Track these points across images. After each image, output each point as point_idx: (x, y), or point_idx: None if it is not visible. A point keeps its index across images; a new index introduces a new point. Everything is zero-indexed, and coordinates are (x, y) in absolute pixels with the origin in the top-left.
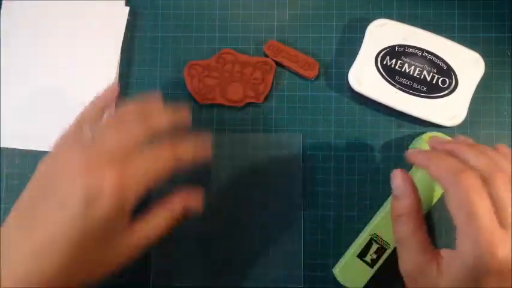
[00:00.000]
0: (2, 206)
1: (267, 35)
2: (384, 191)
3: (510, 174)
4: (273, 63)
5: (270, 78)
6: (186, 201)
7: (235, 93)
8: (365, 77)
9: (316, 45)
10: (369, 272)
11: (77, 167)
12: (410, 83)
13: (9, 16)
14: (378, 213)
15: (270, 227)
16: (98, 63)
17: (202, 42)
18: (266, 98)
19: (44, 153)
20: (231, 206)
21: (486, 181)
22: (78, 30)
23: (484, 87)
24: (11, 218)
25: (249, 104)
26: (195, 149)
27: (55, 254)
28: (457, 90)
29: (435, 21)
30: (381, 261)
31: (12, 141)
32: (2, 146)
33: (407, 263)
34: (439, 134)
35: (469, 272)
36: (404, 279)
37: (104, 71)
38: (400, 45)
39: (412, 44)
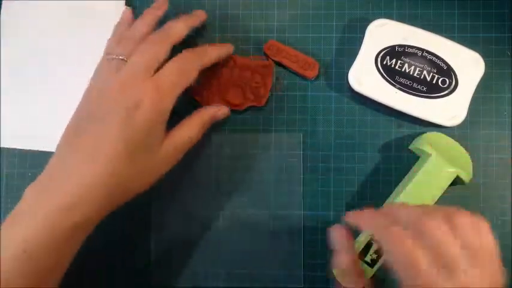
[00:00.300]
0: (2, 206)
1: (267, 35)
2: (384, 191)
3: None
4: (272, 67)
5: (270, 81)
6: (214, 110)
7: (236, 97)
8: (365, 77)
9: (316, 45)
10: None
11: (114, 88)
12: (410, 83)
13: (9, 16)
14: None
15: (270, 227)
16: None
17: (202, 42)
18: (267, 101)
19: (44, 153)
20: (231, 206)
21: (418, 232)
22: (78, 30)
23: (484, 87)
24: (60, 140)
25: (250, 107)
26: (215, 49)
27: (102, 163)
28: (457, 90)
29: (435, 21)
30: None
31: (12, 141)
32: (2, 146)
33: None
34: (439, 134)
35: None
36: None
37: None
38: (400, 45)
39: (412, 44)
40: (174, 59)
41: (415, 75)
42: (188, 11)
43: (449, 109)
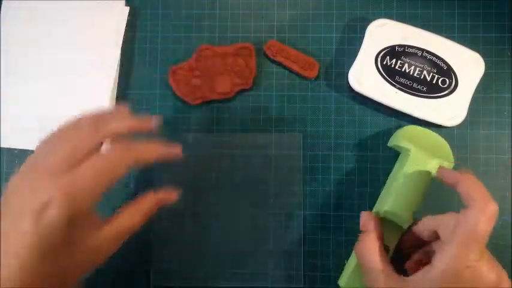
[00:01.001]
0: None
1: (267, 35)
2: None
3: None
4: (252, 47)
5: (252, 61)
6: (160, 198)
7: (223, 85)
8: (365, 77)
9: (316, 45)
10: None
11: (24, 187)
12: (410, 83)
13: (9, 16)
14: None
15: (270, 227)
16: (98, 63)
17: (202, 42)
18: (255, 82)
19: None
20: (231, 206)
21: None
22: (78, 30)
23: (484, 87)
24: None
25: (239, 93)
26: (154, 148)
27: (16, 268)
28: (457, 90)
29: (435, 21)
30: None
31: (12, 141)
32: (2, 146)
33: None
34: (414, 127)
35: (452, 277)
36: None
37: (104, 71)
38: (400, 45)
39: (412, 44)
40: (95, 158)
41: (415, 75)
42: (188, 11)
43: (449, 109)
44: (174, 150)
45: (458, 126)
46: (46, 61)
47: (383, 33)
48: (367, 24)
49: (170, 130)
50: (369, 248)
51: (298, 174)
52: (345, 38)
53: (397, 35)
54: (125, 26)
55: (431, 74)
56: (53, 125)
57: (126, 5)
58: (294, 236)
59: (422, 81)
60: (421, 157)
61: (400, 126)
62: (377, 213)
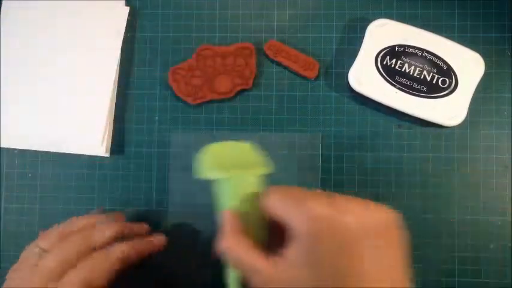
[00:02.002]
0: (2, 205)
1: (267, 35)
2: (384, 191)
3: None
4: (252, 46)
5: (252, 61)
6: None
7: (224, 85)
8: (365, 77)
9: (316, 45)
10: None
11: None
12: (410, 83)
13: (9, 16)
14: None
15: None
16: (98, 63)
17: (202, 42)
18: (255, 82)
19: (43, 153)
20: None
21: None
22: (78, 30)
23: (484, 87)
24: None
25: (239, 93)
26: (136, 247)
27: None
28: (457, 90)
29: (435, 21)
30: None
31: (12, 141)
32: (2, 146)
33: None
34: (214, 145)
35: (305, 239)
36: None
37: (103, 71)
38: (400, 45)
39: (412, 44)
40: (79, 267)
41: (415, 75)
42: (188, 11)
43: (449, 109)
44: (158, 243)
45: (458, 126)
46: (46, 61)
47: (383, 33)
48: (367, 24)
49: (171, 130)
50: (234, 247)
51: (316, 173)
52: (345, 38)
53: (397, 35)
54: (125, 26)
55: (431, 74)
56: (53, 126)
57: (126, 5)
58: None
59: (422, 81)
60: (238, 181)
61: (400, 126)
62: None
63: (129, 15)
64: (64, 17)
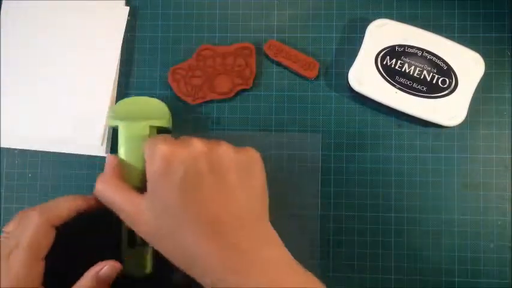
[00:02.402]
0: (2, 206)
1: (267, 35)
2: (384, 191)
3: None
4: (253, 46)
5: (252, 61)
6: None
7: (224, 85)
8: (365, 77)
9: (316, 45)
10: (148, 252)
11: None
12: (410, 83)
13: (9, 16)
14: None
15: (287, 226)
16: (98, 63)
17: (202, 42)
18: (255, 82)
19: (43, 153)
20: None
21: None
22: (78, 30)
23: (484, 87)
24: None
25: (239, 93)
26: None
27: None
28: (457, 90)
29: (435, 21)
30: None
31: (12, 141)
32: (2, 146)
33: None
34: (127, 100)
35: (151, 177)
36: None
37: (104, 71)
38: (400, 45)
39: (412, 44)
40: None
41: (415, 75)
42: (188, 11)
43: (449, 109)
44: (90, 202)
45: (458, 126)
46: (46, 61)
47: (383, 33)
48: (367, 24)
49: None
50: (107, 188)
51: (316, 174)
52: (345, 38)
53: (397, 35)
54: (125, 26)
55: (431, 74)
56: (53, 126)
57: (126, 5)
58: (306, 237)
59: (422, 81)
60: (130, 126)
61: (400, 126)
62: None
63: (129, 15)
64: (64, 17)
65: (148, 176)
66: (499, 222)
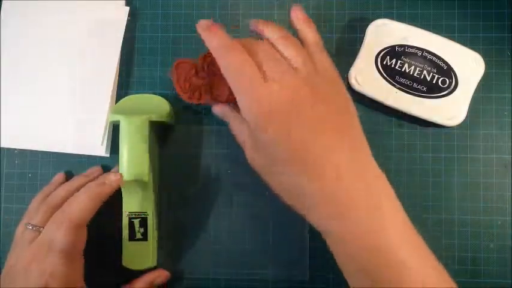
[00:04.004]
0: (2, 205)
1: None
2: None
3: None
4: None
5: None
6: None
7: (222, 93)
8: (365, 77)
9: None
10: (148, 245)
11: (24, 264)
12: (410, 83)
13: (9, 16)
14: (123, 196)
15: (270, 219)
16: (98, 63)
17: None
18: None
19: (43, 153)
20: (233, 198)
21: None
22: (78, 30)
23: (484, 87)
24: None
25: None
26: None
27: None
28: (457, 90)
29: (435, 21)
30: (151, 230)
31: (12, 141)
32: (2, 146)
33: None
34: (130, 98)
35: (254, 124)
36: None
37: (104, 70)
38: (400, 45)
39: (412, 44)
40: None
41: (415, 75)
42: (188, 11)
43: (449, 109)
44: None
45: (458, 126)
46: (46, 61)
47: (383, 33)
48: (367, 24)
49: (170, 129)
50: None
51: None
52: (345, 38)
53: (397, 35)
54: (125, 26)
55: (431, 74)
56: (53, 126)
57: (126, 5)
58: (298, 229)
59: (422, 81)
60: (130, 121)
61: (400, 126)
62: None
63: (129, 15)
64: (64, 17)
65: (251, 118)
66: (499, 222)
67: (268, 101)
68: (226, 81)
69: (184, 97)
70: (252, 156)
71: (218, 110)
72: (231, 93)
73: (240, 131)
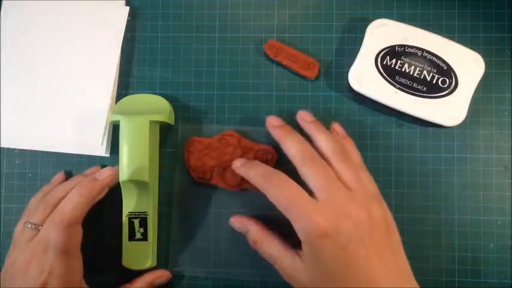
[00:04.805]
0: (2, 205)
1: (267, 35)
2: (383, 192)
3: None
4: (275, 152)
5: (271, 165)
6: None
7: (233, 177)
8: (365, 77)
9: (316, 45)
10: (148, 245)
11: (23, 263)
12: (410, 83)
13: (9, 16)
14: (123, 196)
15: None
16: (98, 63)
17: (203, 42)
18: (255, 83)
19: (43, 153)
20: (242, 198)
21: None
22: (78, 30)
23: (484, 87)
24: None
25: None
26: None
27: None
28: (457, 90)
29: (435, 21)
30: (151, 230)
31: (12, 141)
32: (2, 146)
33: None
34: (127, 98)
35: (308, 243)
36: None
37: (104, 70)
38: (400, 45)
39: (412, 44)
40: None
41: (415, 75)
42: (188, 11)
43: (449, 109)
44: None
45: (458, 126)
46: (46, 61)
47: (383, 33)
48: (367, 24)
49: (170, 128)
50: (268, 242)
51: None
52: (345, 38)
53: (397, 35)
54: (125, 26)
55: (431, 74)
56: (53, 126)
57: (126, 5)
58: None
59: (422, 81)
60: (130, 121)
61: (400, 126)
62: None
63: (129, 15)
64: (64, 17)
65: (307, 239)
66: (499, 222)
67: (323, 220)
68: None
69: (194, 175)
70: (303, 281)
71: (238, 223)
72: (243, 180)
73: (288, 259)
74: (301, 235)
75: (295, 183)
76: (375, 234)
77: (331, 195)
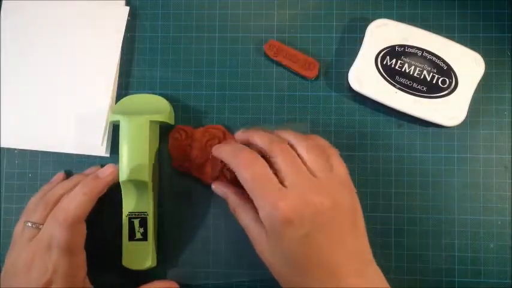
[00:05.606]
0: (2, 206)
1: (267, 35)
2: (384, 191)
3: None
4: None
5: None
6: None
7: (213, 170)
8: (365, 77)
9: (316, 45)
10: (148, 245)
11: (25, 263)
12: (410, 83)
13: (9, 16)
14: (123, 196)
15: None
16: (98, 63)
17: (203, 42)
18: (255, 83)
19: (43, 153)
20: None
21: (268, 155)
22: (78, 30)
23: (484, 87)
24: None
25: None
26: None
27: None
28: (457, 90)
29: (435, 21)
30: (151, 230)
31: (12, 141)
32: (2, 146)
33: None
34: (127, 98)
35: (272, 229)
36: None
37: (104, 70)
38: (400, 45)
39: (412, 44)
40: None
41: (415, 75)
42: (188, 11)
43: (449, 109)
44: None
45: (458, 126)
46: (46, 61)
47: (383, 33)
48: (367, 24)
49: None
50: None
51: None
52: (345, 38)
53: (397, 35)
54: (125, 26)
55: (431, 74)
56: (53, 126)
57: (126, 5)
58: None
59: (422, 81)
60: (131, 121)
61: (400, 126)
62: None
63: (129, 15)
64: (64, 17)
65: (270, 224)
66: (499, 222)
67: (287, 208)
68: (217, 162)
69: (175, 163)
70: (267, 257)
71: (219, 190)
72: (221, 174)
73: (256, 232)
74: (264, 219)
75: (263, 162)
76: (338, 222)
77: (297, 181)
